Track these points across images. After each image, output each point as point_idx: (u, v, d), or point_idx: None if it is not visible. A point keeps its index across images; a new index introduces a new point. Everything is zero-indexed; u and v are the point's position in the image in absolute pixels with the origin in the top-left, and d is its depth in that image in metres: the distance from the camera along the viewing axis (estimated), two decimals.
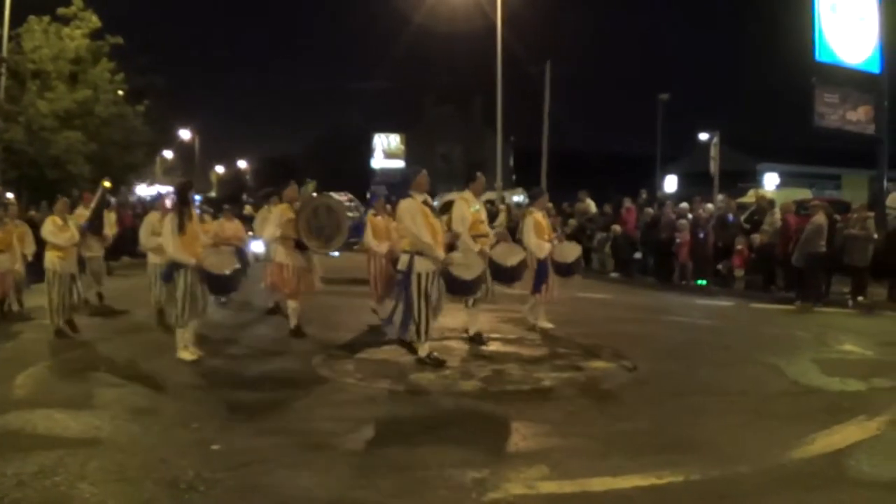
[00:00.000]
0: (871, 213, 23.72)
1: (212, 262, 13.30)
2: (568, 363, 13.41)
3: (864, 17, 27.72)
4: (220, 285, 13.58)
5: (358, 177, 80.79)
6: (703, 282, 26.14)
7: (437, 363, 12.83)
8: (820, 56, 27.02)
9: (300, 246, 15.49)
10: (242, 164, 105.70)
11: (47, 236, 15.81)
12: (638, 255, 30.17)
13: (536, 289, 16.22)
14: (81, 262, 16.17)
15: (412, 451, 8.81)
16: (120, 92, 42.61)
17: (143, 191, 60.57)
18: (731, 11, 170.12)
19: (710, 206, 28.70)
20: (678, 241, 26.92)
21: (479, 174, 14.98)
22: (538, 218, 16.34)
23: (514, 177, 69.20)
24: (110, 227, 20.65)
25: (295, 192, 16.29)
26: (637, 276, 29.75)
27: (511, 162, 72.61)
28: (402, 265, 13.31)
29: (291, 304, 15.87)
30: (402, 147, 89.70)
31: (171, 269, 13.39)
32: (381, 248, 17.12)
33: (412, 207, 13.01)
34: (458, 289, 13.03)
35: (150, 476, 7.88)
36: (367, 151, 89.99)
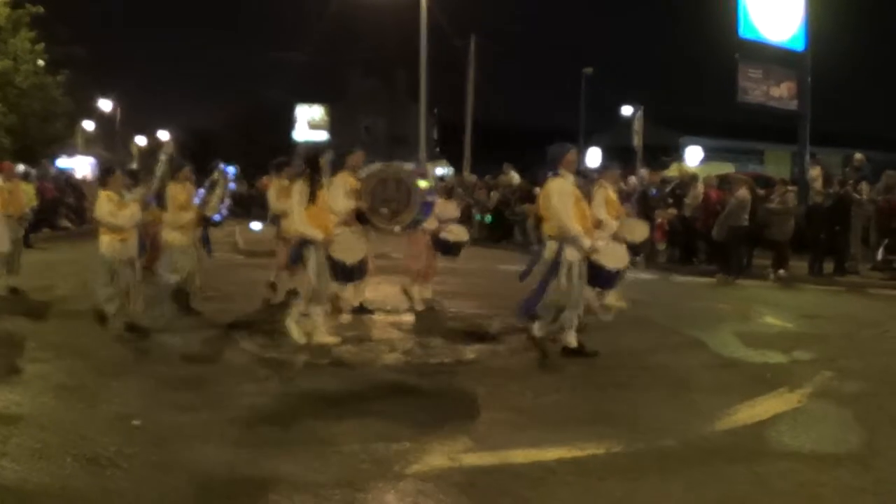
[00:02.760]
0: (791, 187, 23.98)
1: (340, 247, 12.70)
2: (490, 335, 13.37)
3: None
4: (342, 274, 12.93)
5: (280, 148, 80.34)
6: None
7: (590, 354, 11.98)
8: (744, 32, 27.26)
9: (360, 219, 14.28)
10: (164, 135, 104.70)
11: (105, 217, 13.32)
12: None
13: None
14: (142, 244, 14.20)
15: (334, 425, 8.75)
16: (40, 62, 42.03)
17: (65, 163, 59.65)
18: None
19: (633, 179, 28.85)
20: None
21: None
22: (609, 193, 15.02)
23: (437, 149, 69.37)
24: (30, 200, 20.19)
25: (360, 159, 15.00)
26: None
27: (435, 134, 72.67)
28: (549, 253, 11.94)
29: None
30: (326, 118, 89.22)
31: (301, 247, 12.29)
32: (430, 223, 15.58)
33: (564, 189, 11.79)
34: (603, 280, 12.37)
35: (70, 453, 7.73)
36: (290, 123, 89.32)
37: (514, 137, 71.84)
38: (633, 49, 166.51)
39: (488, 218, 33.22)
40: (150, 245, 17.79)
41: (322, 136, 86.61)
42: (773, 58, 28.03)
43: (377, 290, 16.30)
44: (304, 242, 12.19)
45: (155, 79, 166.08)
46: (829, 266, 22.14)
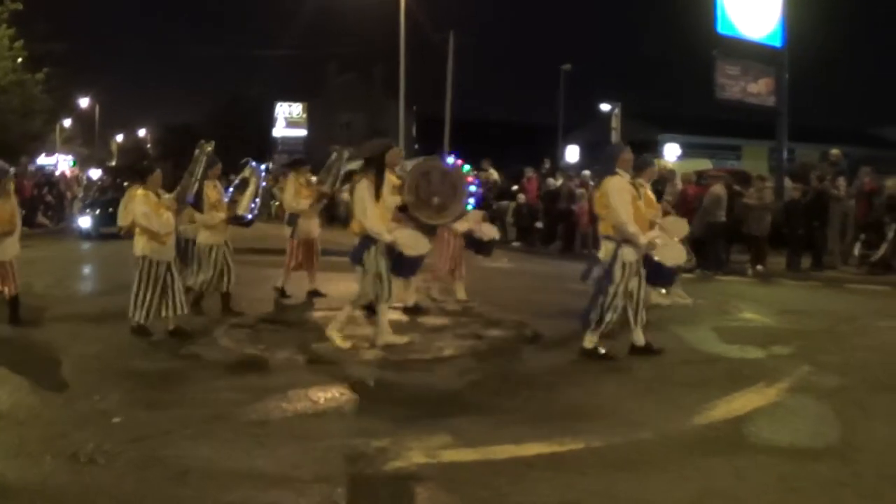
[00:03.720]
0: (769, 183, 24.09)
1: (406, 241, 12.13)
2: (469, 332, 13.37)
3: None
4: (408, 267, 12.51)
5: (259, 145, 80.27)
6: None
7: (605, 357, 11.66)
8: (721, 29, 27.29)
9: (404, 214, 13.77)
10: (143, 132, 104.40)
11: (142, 219, 12.67)
12: (539, 224, 30.38)
13: None
14: (179, 245, 13.57)
15: (314, 421, 8.80)
16: (19, 59, 41.88)
17: (46, 160, 59.47)
18: None
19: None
20: (575, 209, 27.18)
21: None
22: (647, 192, 13.58)
23: (416, 146, 69.19)
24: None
25: (398, 155, 14.07)
26: (538, 244, 29.97)
27: (413, 131, 72.61)
28: (605, 254, 11.75)
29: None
30: (304, 116, 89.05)
31: (363, 248, 11.97)
32: (462, 225, 15.27)
33: (623, 188, 11.60)
34: (662, 277, 12.26)
35: (49, 450, 7.72)
36: (269, 120, 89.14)
37: (492, 134, 71.87)
38: (612, 46, 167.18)
39: None
40: None
41: (301, 132, 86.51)
42: (750, 54, 28.10)
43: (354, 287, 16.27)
44: (368, 243, 11.93)
45: (134, 76, 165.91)
46: (806, 261, 22.23)
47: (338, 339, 12.16)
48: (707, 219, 21.66)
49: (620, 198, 11.47)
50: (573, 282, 18.26)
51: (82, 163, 69.28)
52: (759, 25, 27.74)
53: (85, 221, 32.76)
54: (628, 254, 11.48)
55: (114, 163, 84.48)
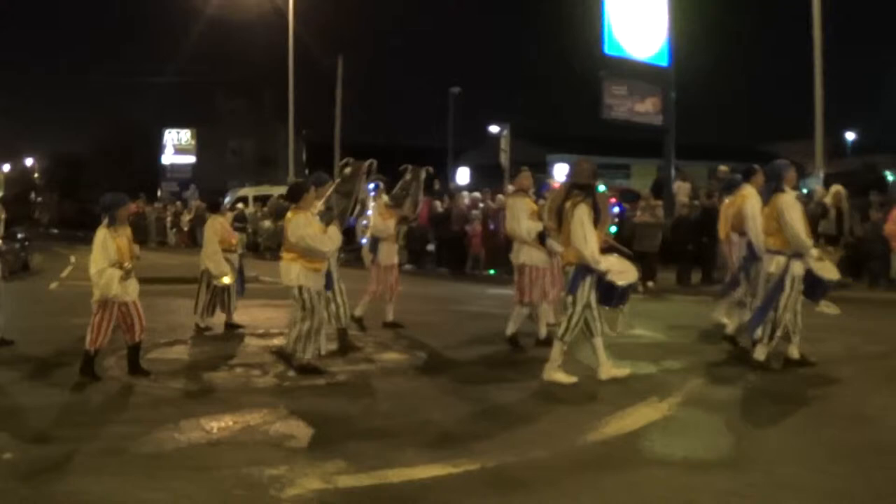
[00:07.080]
0: (660, 202, 24.37)
1: (618, 269, 11.66)
2: (361, 356, 13.31)
3: (652, 13, 28.45)
4: (619, 297, 11.89)
5: (148, 173, 79.53)
6: (493, 271, 26.45)
7: (811, 363, 12.08)
8: (608, 50, 27.67)
9: (542, 240, 13.44)
10: (30, 161, 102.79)
11: (307, 240, 11.69)
12: (431, 246, 30.44)
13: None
14: (329, 275, 12.60)
15: (207, 451, 8.65)
16: None
17: None
18: (521, 3, 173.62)
19: (500, 197, 29.12)
20: (469, 231, 27.30)
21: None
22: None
23: (306, 171, 68.95)
24: None
25: (529, 179, 14.17)
26: (430, 267, 30.01)
27: (303, 157, 72.44)
28: (775, 267, 11.96)
29: (523, 311, 14.03)
30: (193, 142, 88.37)
31: (580, 277, 11.39)
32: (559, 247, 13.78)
33: (794, 204, 12.03)
34: (819, 291, 12.28)
35: None
36: (158, 147, 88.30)
37: (383, 158, 71.92)
38: (501, 68, 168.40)
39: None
40: None
41: (190, 159, 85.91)
42: (637, 74, 28.51)
43: (247, 313, 16.16)
44: (584, 273, 11.41)
45: (19, 104, 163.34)
46: (696, 276, 22.50)
47: (562, 377, 11.55)
48: None
49: (795, 214, 11.89)
50: (461, 303, 18.34)
51: None
52: (645, 46, 28.18)
53: None
54: (797, 267, 11.88)
55: (1, 194, 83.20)
